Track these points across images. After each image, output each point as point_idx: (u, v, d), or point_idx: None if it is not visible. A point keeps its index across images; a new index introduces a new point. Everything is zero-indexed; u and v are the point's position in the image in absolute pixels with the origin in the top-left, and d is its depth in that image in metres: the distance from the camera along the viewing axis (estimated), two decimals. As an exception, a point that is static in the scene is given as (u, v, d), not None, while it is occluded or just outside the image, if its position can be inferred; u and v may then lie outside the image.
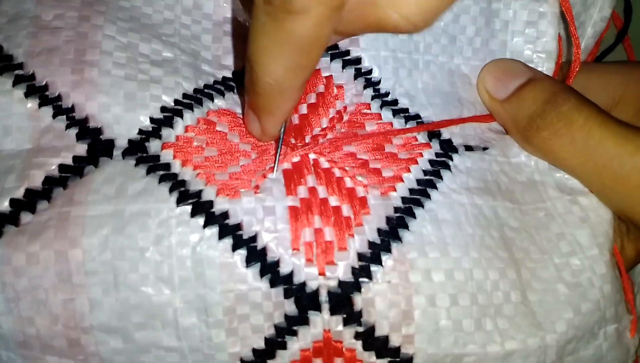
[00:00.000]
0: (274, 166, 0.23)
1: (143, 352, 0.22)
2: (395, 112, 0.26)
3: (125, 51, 0.25)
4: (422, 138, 0.25)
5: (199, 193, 0.22)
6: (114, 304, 0.21)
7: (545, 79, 0.26)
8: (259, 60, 0.21)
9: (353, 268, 0.22)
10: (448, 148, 0.25)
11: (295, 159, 0.24)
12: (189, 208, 0.22)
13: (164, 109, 0.24)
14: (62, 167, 0.23)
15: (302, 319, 0.22)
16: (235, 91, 0.27)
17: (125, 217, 0.21)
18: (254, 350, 0.22)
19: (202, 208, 0.22)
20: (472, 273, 0.23)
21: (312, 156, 0.24)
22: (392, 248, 0.22)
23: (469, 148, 0.26)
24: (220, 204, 0.22)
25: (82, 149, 0.23)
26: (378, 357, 0.22)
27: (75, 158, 0.23)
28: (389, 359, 0.22)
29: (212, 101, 0.26)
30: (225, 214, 0.22)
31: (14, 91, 0.23)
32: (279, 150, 0.24)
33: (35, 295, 0.21)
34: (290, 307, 0.22)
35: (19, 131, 0.23)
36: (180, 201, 0.22)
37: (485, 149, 0.26)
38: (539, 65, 0.27)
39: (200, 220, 0.22)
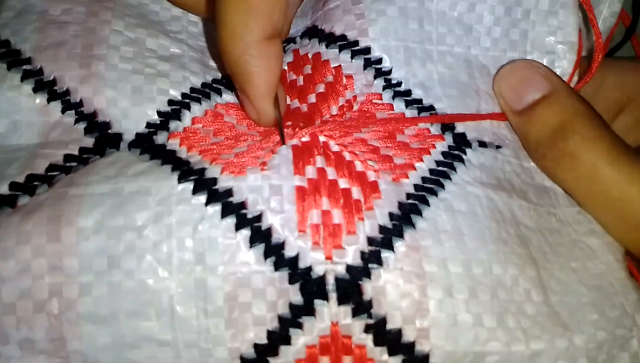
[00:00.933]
0: (282, 139, 0.23)
1: (132, 348, 0.20)
2: (408, 103, 0.25)
3: (132, 45, 0.25)
4: (435, 129, 0.25)
5: (202, 171, 0.21)
6: (105, 290, 0.20)
7: (560, 98, 0.25)
8: (219, 10, 0.22)
9: (362, 253, 0.21)
10: (461, 142, 0.24)
11: (305, 139, 0.23)
12: (190, 185, 0.21)
13: (171, 102, 0.24)
14: (67, 157, 0.23)
15: (307, 309, 0.20)
16: None
17: (124, 195, 0.21)
18: (256, 346, 0.20)
19: (204, 185, 0.21)
20: (490, 266, 0.21)
21: (322, 138, 0.23)
22: (405, 234, 0.21)
23: (482, 144, 0.25)
24: (225, 182, 0.21)
25: (89, 142, 0.23)
26: (391, 353, 0.20)
27: (81, 149, 0.23)
28: (402, 357, 0.20)
29: (220, 96, 0.25)
30: (229, 192, 0.21)
31: (22, 86, 0.23)
32: (280, 122, 0.23)
33: (21, 279, 0.20)
34: (295, 295, 0.20)
35: (28, 126, 0.23)
36: (181, 179, 0.21)
37: (498, 147, 0.25)
38: (562, 57, 0.26)
39: (203, 198, 0.21)
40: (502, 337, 0.21)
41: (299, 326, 0.20)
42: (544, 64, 0.26)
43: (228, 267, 0.20)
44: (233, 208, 0.21)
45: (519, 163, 0.25)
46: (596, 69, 0.26)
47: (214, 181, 0.21)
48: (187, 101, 0.24)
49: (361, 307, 0.20)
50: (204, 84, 0.25)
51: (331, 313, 0.20)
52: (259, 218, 0.21)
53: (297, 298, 0.20)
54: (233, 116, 0.25)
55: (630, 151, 0.24)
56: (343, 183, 0.22)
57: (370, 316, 0.20)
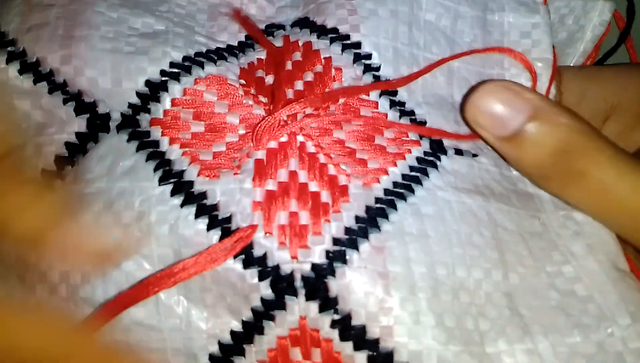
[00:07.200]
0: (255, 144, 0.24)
1: (125, 331, 0.22)
2: (392, 104, 0.25)
3: (114, 25, 0.25)
4: (413, 134, 0.25)
5: (181, 173, 0.23)
6: (100, 279, 0.22)
7: (548, 116, 0.23)
8: None
9: (327, 252, 0.22)
10: (437, 149, 0.25)
11: (283, 139, 0.24)
12: (169, 187, 0.22)
13: (148, 82, 0.24)
14: (68, 145, 0.24)
15: (278, 303, 0.22)
16: (227, 58, 0.26)
17: (113, 194, 0.22)
18: (232, 332, 0.22)
19: (182, 187, 0.22)
20: (454, 268, 0.22)
21: (300, 138, 0.24)
22: (370, 235, 0.22)
23: (458, 152, 0.25)
24: (200, 185, 0.23)
25: (82, 124, 0.24)
26: (356, 348, 0.21)
27: (78, 135, 0.24)
28: (367, 352, 0.21)
29: (202, 68, 0.25)
30: (203, 195, 0.22)
31: (8, 68, 0.24)
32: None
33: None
34: (266, 290, 0.22)
35: (21, 107, 0.24)
36: (162, 180, 0.23)
37: (474, 156, 0.25)
38: (539, 73, 0.27)
39: (179, 199, 0.22)
40: (460, 337, 0.21)
41: (272, 318, 0.22)
42: (523, 81, 0.27)
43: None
44: (206, 210, 0.22)
45: (499, 171, 0.26)
46: (554, 74, 0.27)
47: (191, 184, 0.23)
48: (166, 79, 0.25)
49: (327, 304, 0.22)
50: (185, 58, 0.25)
51: (300, 308, 0.22)
52: (228, 219, 0.22)
53: (268, 293, 0.22)
54: (213, 91, 0.25)
55: (629, 156, 0.23)
56: (313, 186, 0.23)
57: (336, 312, 0.22)
